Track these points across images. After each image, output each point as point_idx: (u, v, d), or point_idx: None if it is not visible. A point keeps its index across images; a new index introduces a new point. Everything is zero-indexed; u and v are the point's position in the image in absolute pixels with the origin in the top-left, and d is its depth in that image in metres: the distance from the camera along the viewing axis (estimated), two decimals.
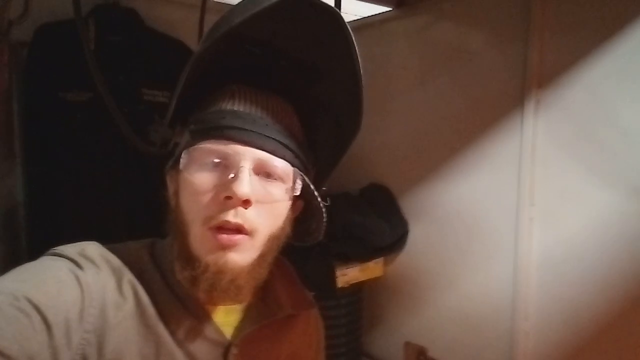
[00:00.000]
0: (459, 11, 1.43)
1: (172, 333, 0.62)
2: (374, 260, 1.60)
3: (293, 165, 0.64)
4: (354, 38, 0.59)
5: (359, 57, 0.60)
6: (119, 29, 1.39)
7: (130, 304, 0.60)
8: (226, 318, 0.69)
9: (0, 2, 1.06)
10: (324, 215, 0.70)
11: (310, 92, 0.69)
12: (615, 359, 1.10)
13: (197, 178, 0.60)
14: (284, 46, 0.65)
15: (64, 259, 0.59)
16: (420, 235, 1.56)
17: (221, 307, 0.67)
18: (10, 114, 1.11)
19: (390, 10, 1.59)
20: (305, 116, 0.70)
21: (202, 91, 0.66)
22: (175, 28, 1.52)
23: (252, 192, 0.58)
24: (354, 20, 1.70)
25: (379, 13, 1.63)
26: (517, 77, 1.27)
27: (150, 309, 0.61)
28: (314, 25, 0.59)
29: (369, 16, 1.66)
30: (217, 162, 0.60)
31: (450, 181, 1.46)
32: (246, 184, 0.57)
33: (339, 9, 1.42)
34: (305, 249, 1.50)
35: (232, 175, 0.58)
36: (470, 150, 1.40)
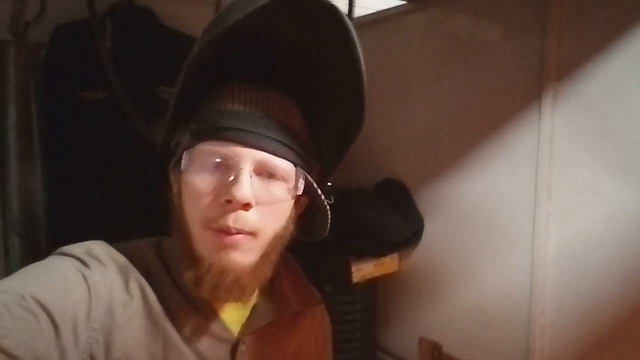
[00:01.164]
0: (474, 2, 1.40)
1: (180, 331, 0.63)
2: (389, 256, 1.59)
3: (295, 165, 0.63)
4: (353, 31, 0.57)
5: (360, 50, 0.58)
6: (134, 27, 1.41)
7: (137, 302, 0.61)
8: (233, 315, 0.69)
9: (17, 3, 1.08)
10: (328, 212, 0.69)
11: (312, 85, 0.68)
12: (633, 354, 1.08)
13: (198, 180, 0.59)
14: (284, 39, 0.63)
15: (70, 258, 0.59)
16: (436, 230, 1.55)
17: (228, 304, 0.67)
18: (28, 114, 1.13)
19: (404, 4, 1.57)
20: (308, 109, 0.68)
21: (204, 89, 0.66)
22: (190, 25, 1.53)
23: (253, 194, 0.58)
24: (368, 14, 1.68)
25: (393, 7, 1.61)
26: (534, 70, 1.25)
27: (158, 307, 0.62)
28: (313, 18, 0.58)
29: (383, 10, 1.64)
30: (218, 163, 0.59)
31: (467, 176, 1.44)
32: (246, 187, 0.57)
33: (353, 3, 1.42)
34: (320, 245, 1.51)
35: (232, 177, 0.58)
36: (486, 144, 1.38)
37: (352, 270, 1.50)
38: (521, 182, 1.29)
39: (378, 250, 1.57)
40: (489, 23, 1.37)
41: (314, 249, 1.50)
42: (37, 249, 1.16)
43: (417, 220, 1.57)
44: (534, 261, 1.26)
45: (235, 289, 0.61)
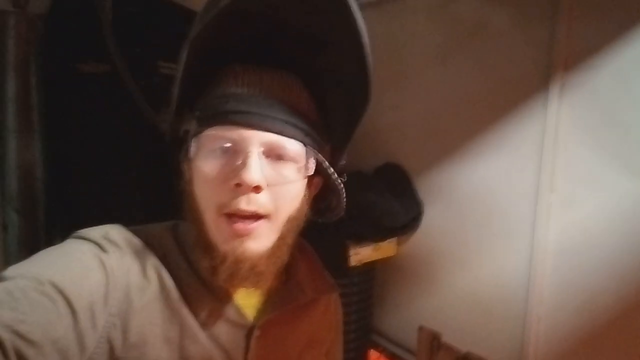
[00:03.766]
0: None
1: (196, 315, 0.63)
2: (387, 240, 1.60)
3: (304, 144, 0.62)
4: (355, 5, 0.56)
5: (362, 25, 0.57)
6: (136, 0, 1.37)
7: (154, 287, 0.60)
8: (249, 301, 0.69)
9: None
10: (342, 190, 0.69)
11: (316, 63, 0.66)
12: (628, 347, 1.10)
13: (207, 165, 0.59)
14: (284, 17, 0.61)
15: (88, 242, 0.59)
16: (436, 216, 1.55)
17: (244, 290, 0.67)
18: (28, 87, 1.10)
19: None
20: (316, 89, 0.67)
21: (208, 74, 0.64)
22: (192, 0, 1.49)
23: (264, 177, 0.57)
24: None
25: None
26: (542, 59, 1.24)
27: (174, 292, 0.61)
28: None
29: None
30: (227, 148, 0.59)
31: (469, 163, 1.44)
32: (254, 170, 0.56)
33: None
34: (318, 228, 1.50)
35: (240, 161, 0.57)
36: (490, 132, 1.38)
37: (350, 254, 1.50)
38: (524, 171, 1.29)
39: (376, 235, 1.57)
40: (498, 9, 1.35)
41: (311, 232, 1.49)
42: (35, 225, 1.13)
43: (417, 205, 1.57)
44: (534, 251, 1.27)
45: (251, 277, 0.61)
